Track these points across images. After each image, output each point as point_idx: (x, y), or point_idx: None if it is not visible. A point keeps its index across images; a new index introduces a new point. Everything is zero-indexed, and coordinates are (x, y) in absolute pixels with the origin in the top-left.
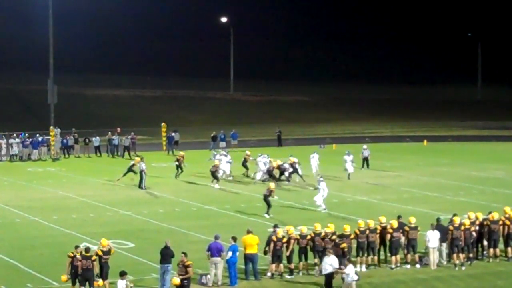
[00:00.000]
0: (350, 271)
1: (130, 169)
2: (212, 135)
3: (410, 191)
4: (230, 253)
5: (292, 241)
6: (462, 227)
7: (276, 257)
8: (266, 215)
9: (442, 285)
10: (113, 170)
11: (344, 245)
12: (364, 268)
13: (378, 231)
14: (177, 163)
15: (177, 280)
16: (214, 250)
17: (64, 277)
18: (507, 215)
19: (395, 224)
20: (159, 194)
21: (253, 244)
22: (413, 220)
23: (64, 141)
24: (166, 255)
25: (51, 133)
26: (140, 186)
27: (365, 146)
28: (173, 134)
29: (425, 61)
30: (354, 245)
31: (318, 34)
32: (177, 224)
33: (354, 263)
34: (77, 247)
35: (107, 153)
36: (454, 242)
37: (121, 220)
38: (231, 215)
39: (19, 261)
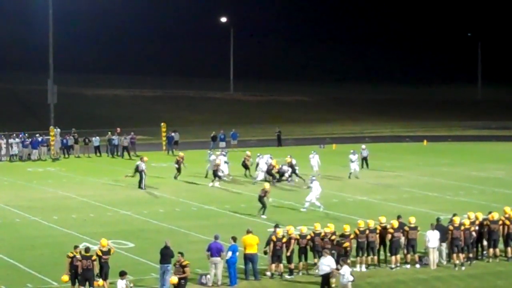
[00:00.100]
0: (346, 271)
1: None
2: (212, 135)
3: (410, 191)
4: (230, 253)
5: (292, 241)
6: (462, 227)
7: (276, 257)
8: (263, 216)
9: (442, 285)
10: (113, 170)
11: (347, 244)
12: (364, 268)
13: (378, 231)
14: (176, 165)
15: (175, 279)
16: (214, 250)
17: (65, 278)
18: (507, 215)
19: (395, 224)
20: (159, 194)
21: (253, 244)
22: (413, 220)
23: (64, 141)
24: (166, 255)
25: (51, 133)
26: (140, 186)
27: (363, 146)
28: (173, 134)
29: (425, 61)
30: (354, 245)
31: (318, 34)
32: (177, 224)
33: (354, 263)
34: (76, 247)
35: (107, 153)
36: (454, 242)
37: (121, 220)
38: (231, 215)
39: (19, 261)
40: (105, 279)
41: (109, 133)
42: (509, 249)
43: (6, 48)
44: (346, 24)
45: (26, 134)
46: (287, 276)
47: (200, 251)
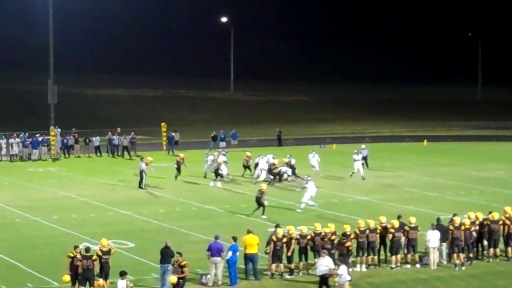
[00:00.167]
0: (343, 271)
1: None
2: (212, 135)
3: (410, 191)
4: (230, 253)
5: (293, 241)
6: (462, 227)
7: (276, 257)
8: (263, 216)
9: (442, 285)
10: (113, 170)
11: (349, 243)
12: (364, 268)
13: (378, 231)
14: (176, 165)
15: (174, 279)
16: (214, 250)
17: (67, 278)
18: (507, 215)
19: (396, 224)
20: (159, 194)
21: (253, 244)
22: (413, 220)
23: (64, 141)
24: (166, 255)
25: (51, 133)
26: (140, 186)
27: (363, 146)
28: (173, 134)
29: (425, 61)
30: (354, 245)
31: (318, 34)
32: (177, 224)
33: (354, 263)
34: (76, 247)
35: (107, 153)
36: (454, 242)
37: (122, 220)
38: (231, 215)
39: (19, 261)
40: (105, 279)
41: (109, 133)
42: (509, 249)
43: (6, 48)
44: (346, 24)
45: (27, 134)
46: (287, 276)
47: (200, 251)
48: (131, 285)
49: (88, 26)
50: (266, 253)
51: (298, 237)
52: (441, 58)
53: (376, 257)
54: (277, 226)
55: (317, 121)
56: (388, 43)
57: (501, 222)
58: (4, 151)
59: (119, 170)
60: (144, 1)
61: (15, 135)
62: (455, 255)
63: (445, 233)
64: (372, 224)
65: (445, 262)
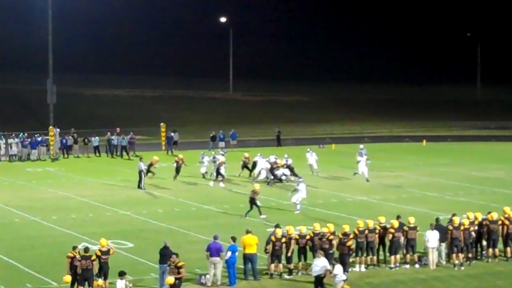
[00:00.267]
0: (338, 271)
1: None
2: (211, 135)
3: (409, 191)
4: (229, 253)
5: (292, 241)
6: (462, 227)
7: (275, 257)
8: (262, 216)
9: (442, 285)
10: (112, 170)
11: (350, 243)
12: (363, 268)
13: (377, 231)
14: (175, 165)
15: (171, 279)
16: (213, 250)
17: (68, 278)
18: (506, 215)
19: (396, 224)
20: (158, 194)
21: (252, 244)
22: (412, 220)
23: (63, 141)
24: (165, 255)
25: (50, 133)
26: (139, 186)
27: (361, 146)
28: (172, 134)
29: (425, 61)
30: (353, 245)
31: (318, 34)
32: (176, 224)
33: (354, 263)
34: (74, 247)
35: (106, 153)
36: (454, 242)
37: (121, 220)
38: (231, 215)
39: (18, 261)
40: (104, 279)
41: (109, 133)
42: (508, 249)
43: (6, 48)
44: (345, 24)
45: (26, 134)
46: (286, 276)
47: (199, 251)
48: (130, 285)
49: (88, 26)
50: (267, 252)
51: (297, 237)
52: (440, 58)
53: (375, 257)
54: (277, 226)
55: (316, 121)
56: (388, 43)
57: (500, 222)
58: (3, 151)
59: (118, 170)
60: (143, 1)
61: (14, 135)
62: (454, 255)
63: (444, 233)
64: (371, 224)
65: (444, 262)
